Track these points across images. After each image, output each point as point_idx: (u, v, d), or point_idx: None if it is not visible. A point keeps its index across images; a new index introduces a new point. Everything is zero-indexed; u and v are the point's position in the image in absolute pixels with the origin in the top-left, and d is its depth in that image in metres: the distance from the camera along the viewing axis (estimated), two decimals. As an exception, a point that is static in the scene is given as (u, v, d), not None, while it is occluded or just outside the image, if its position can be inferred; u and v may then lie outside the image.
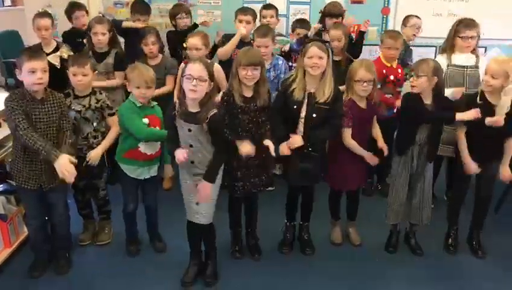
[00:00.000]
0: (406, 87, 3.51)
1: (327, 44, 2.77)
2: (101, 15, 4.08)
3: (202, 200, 2.53)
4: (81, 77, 2.82)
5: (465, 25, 3.29)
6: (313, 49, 2.67)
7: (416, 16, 4.05)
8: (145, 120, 2.78)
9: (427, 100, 2.84)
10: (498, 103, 2.83)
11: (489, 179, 2.99)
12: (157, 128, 2.82)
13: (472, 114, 2.78)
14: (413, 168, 2.93)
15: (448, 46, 3.38)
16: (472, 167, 2.88)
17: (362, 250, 3.15)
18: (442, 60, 3.32)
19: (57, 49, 3.60)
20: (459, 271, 2.98)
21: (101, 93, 2.95)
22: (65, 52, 3.56)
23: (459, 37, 3.30)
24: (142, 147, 2.82)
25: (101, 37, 3.49)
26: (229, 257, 3.02)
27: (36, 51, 2.61)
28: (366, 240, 3.21)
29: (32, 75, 2.48)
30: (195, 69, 2.39)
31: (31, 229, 2.86)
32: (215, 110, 2.48)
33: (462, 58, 3.33)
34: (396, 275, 2.93)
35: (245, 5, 4.49)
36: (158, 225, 3.14)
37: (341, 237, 3.21)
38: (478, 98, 2.85)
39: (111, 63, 3.57)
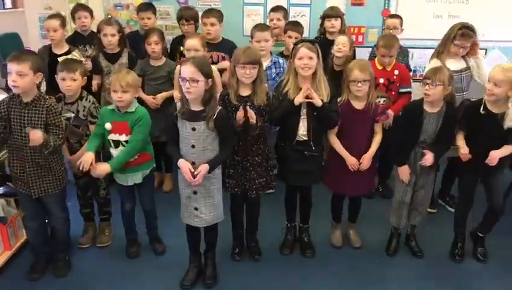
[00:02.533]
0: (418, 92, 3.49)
1: (316, 44, 2.76)
2: (109, 16, 4.08)
3: (197, 178, 2.46)
4: (70, 82, 2.78)
5: (462, 34, 3.26)
6: (303, 50, 2.67)
7: (396, 16, 4.02)
8: (107, 125, 2.73)
9: (435, 108, 2.83)
10: (505, 112, 2.75)
11: (497, 188, 2.97)
12: (124, 135, 2.74)
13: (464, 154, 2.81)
14: (416, 170, 2.92)
15: (445, 49, 3.35)
16: (465, 150, 2.82)
17: (362, 252, 3.15)
18: (436, 63, 3.30)
19: (68, 52, 3.60)
20: (459, 273, 2.97)
21: (87, 99, 2.89)
22: (77, 56, 3.56)
23: (454, 43, 3.30)
24: (114, 154, 2.78)
25: (110, 38, 3.50)
26: (229, 258, 3.02)
27: (19, 54, 2.54)
28: (366, 241, 3.21)
29: (9, 76, 2.48)
30: (186, 71, 2.40)
31: (29, 231, 2.86)
32: (219, 108, 2.51)
33: (454, 62, 3.33)
34: (397, 277, 2.92)
35: (245, 7, 4.52)
36: (157, 227, 3.14)
37: (341, 240, 3.20)
38: (482, 107, 2.80)
39: (125, 63, 3.57)
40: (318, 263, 3.03)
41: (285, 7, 4.46)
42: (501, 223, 3.41)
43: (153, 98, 3.51)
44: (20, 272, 2.85)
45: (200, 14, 3.87)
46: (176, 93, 3.26)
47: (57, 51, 3.60)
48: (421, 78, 3.18)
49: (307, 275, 2.91)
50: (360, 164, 2.87)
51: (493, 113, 2.78)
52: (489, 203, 3.00)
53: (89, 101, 2.88)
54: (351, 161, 2.87)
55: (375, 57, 3.57)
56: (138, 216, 3.06)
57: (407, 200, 2.98)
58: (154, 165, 3.00)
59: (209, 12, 3.78)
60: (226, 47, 3.65)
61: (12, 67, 2.46)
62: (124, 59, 3.59)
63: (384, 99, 3.44)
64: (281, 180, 3.04)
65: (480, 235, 3.10)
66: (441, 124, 2.83)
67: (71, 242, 3.02)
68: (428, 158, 2.84)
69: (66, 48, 3.63)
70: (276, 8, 4.09)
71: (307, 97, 2.65)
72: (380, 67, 3.47)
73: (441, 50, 3.39)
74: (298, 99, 2.66)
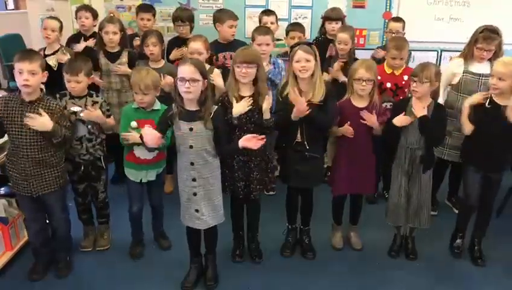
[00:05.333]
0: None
1: (313, 46, 2.79)
2: (112, 15, 4.10)
3: None
4: (75, 84, 2.80)
5: (484, 37, 3.22)
6: (300, 53, 2.72)
7: (399, 20, 4.02)
8: (133, 123, 2.76)
9: (422, 104, 2.84)
10: (507, 104, 2.76)
11: (493, 187, 2.99)
12: None
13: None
14: (407, 171, 2.94)
15: (469, 52, 3.32)
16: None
17: (363, 254, 3.15)
18: (459, 64, 3.33)
19: (56, 52, 3.61)
20: (459, 275, 2.97)
21: (97, 96, 2.94)
22: (62, 52, 3.58)
23: (476, 47, 3.26)
24: (137, 151, 2.83)
25: (112, 36, 3.51)
26: (230, 260, 3.02)
27: (28, 53, 2.59)
28: (367, 244, 3.21)
29: (20, 76, 2.49)
30: (186, 71, 2.42)
31: (30, 232, 2.87)
32: (215, 106, 2.54)
33: (478, 66, 3.30)
34: (397, 279, 2.92)
35: (247, 9, 4.53)
36: (163, 223, 3.16)
37: (342, 242, 3.21)
38: (487, 102, 2.82)
39: (125, 62, 3.58)
40: (319, 265, 3.03)
41: (287, 9, 4.50)
42: (502, 225, 3.43)
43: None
44: (22, 272, 2.85)
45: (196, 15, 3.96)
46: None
47: (48, 51, 3.61)
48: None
49: (307, 277, 2.91)
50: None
51: (499, 105, 2.78)
52: (479, 201, 3.01)
53: (101, 98, 2.94)
54: (346, 129, 2.84)
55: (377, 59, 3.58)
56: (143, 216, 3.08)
57: (402, 202, 2.98)
58: (165, 164, 3.03)
59: (235, 16, 3.84)
60: (237, 47, 3.63)
61: (24, 66, 2.48)
62: (124, 59, 3.59)
63: (391, 104, 3.44)
64: (282, 181, 3.05)
65: (476, 239, 3.09)
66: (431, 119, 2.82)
67: (72, 243, 3.03)
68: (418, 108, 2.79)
69: (57, 48, 3.63)
70: (268, 12, 4.09)
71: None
72: (388, 71, 3.45)
73: (466, 53, 3.36)
74: (295, 115, 2.71)
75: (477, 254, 3.06)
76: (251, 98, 2.69)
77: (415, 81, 2.80)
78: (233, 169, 2.76)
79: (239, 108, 2.66)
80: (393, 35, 3.87)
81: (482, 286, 2.88)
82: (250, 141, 2.49)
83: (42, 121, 2.50)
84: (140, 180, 2.91)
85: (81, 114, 2.79)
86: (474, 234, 3.12)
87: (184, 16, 3.93)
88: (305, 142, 2.82)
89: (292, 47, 2.83)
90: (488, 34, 3.21)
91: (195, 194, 2.58)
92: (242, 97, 2.71)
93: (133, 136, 2.75)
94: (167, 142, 2.77)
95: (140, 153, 2.84)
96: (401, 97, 3.44)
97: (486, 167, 2.92)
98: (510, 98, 2.77)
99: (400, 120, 2.82)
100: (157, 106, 2.85)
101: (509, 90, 2.76)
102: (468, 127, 2.89)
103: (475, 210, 3.08)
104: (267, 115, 2.69)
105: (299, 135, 2.82)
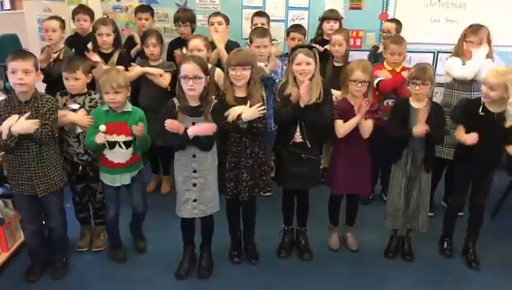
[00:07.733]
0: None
1: (314, 49, 2.82)
2: (105, 16, 4.10)
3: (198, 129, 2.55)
4: (73, 81, 2.79)
5: (471, 30, 3.34)
6: (300, 56, 2.74)
7: (391, 21, 4.07)
8: (102, 127, 2.66)
9: (420, 104, 2.88)
10: (504, 111, 2.77)
11: (485, 187, 3.01)
12: (123, 136, 2.73)
13: (471, 138, 2.80)
14: (407, 172, 2.95)
15: (460, 51, 3.39)
16: (470, 138, 2.82)
17: (360, 255, 3.15)
18: (459, 62, 3.36)
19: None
20: (457, 277, 2.97)
21: (95, 94, 2.94)
22: (62, 52, 3.58)
23: (465, 41, 3.35)
24: (108, 155, 2.77)
25: (105, 38, 3.53)
26: (227, 260, 3.02)
27: (21, 52, 2.58)
28: (363, 245, 3.21)
29: (13, 75, 2.49)
30: (189, 69, 2.49)
31: (26, 233, 2.86)
32: (215, 101, 2.62)
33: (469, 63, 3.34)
34: (394, 280, 2.92)
35: (243, 10, 4.54)
36: (142, 224, 3.11)
37: (338, 243, 3.21)
38: (480, 108, 2.84)
39: (114, 62, 3.58)
40: (315, 266, 3.03)
41: (284, 10, 4.49)
42: (498, 226, 3.44)
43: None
44: (18, 273, 2.85)
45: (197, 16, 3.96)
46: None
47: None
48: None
49: (304, 278, 2.92)
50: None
51: (492, 113, 2.81)
52: (471, 202, 3.04)
53: (98, 96, 2.92)
54: (358, 105, 2.81)
55: (375, 60, 3.59)
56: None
57: (401, 204, 2.99)
58: (142, 167, 2.96)
59: (217, 13, 3.91)
60: (230, 47, 3.61)
61: (17, 65, 2.47)
62: (114, 58, 3.59)
63: (392, 100, 3.46)
64: (277, 184, 3.05)
65: (470, 242, 3.09)
66: (431, 121, 2.83)
67: (69, 244, 3.02)
68: (419, 127, 2.79)
69: (60, 47, 3.61)
70: (260, 14, 4.07)
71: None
72: (389, 69, 3.51)
73: (456, 51, 3.43)
74: (303, 104, 2.71)
75: (471, 257, 3.06)
76: (263, 105, 2.69)
77: (417, 84, 2.82)
78: (226, 169, 2.78)
79: (249, 113, 2.65)
80: (384, 34, 3.94)
81: (480, 287, 2.89)
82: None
83: (24, 126, 2.47)
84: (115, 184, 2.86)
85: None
86: (467, 238, 3.12)
87: (184, 17, 3.95)
88: (307, 142, 2.83)
89: (293, 49, 2.84)
90: (476, 25, 3.33)
91: (195, 185, 2.64)
92: (237, 99, 2.72)
93: (99, 137, 2.66)
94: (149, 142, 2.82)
95: (112, 156, 2.78)
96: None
97: (477, 172, 2.93)
98: (503, 105, 2.78)
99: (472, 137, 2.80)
100: (129, 107, 2.78)
101: (500, 99, 2.77)
102: (469, 137, 2.84)
103: (461, 210, 3.12)
104: (245, 117, 2.65)
105: (300, 135, 2.82)
